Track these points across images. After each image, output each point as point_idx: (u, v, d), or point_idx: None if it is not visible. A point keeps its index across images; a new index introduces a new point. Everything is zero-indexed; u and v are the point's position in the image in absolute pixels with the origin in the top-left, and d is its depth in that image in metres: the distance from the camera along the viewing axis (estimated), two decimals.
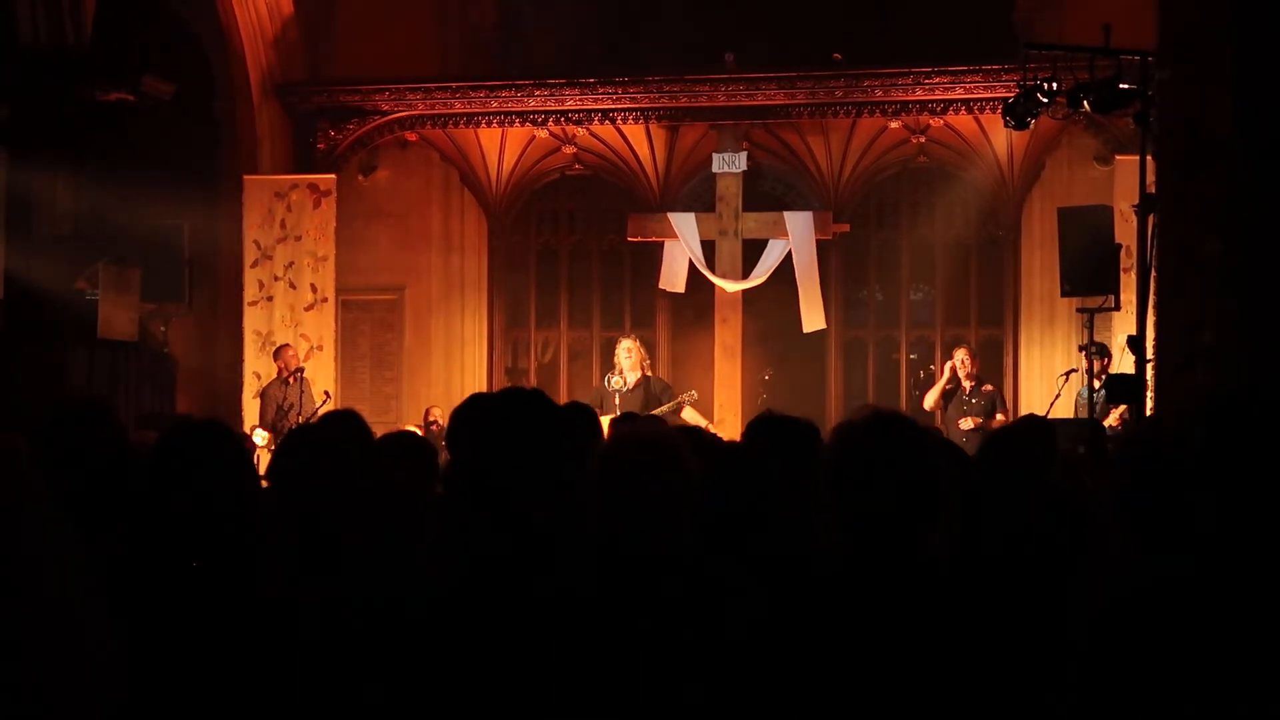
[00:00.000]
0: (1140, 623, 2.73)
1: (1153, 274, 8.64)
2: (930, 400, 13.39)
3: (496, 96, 15.37)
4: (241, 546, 3.10)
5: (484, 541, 2.90)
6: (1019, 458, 5.05)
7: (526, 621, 2.79)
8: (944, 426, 12.90)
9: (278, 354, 14.13)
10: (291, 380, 13.70)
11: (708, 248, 15.38)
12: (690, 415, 12.69)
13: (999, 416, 12.76)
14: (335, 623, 2.98)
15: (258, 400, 14.75)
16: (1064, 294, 13.11)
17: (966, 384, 13.15)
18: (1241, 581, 2.68)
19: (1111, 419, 11.55)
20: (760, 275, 15.30)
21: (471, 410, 2.99)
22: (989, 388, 13.31)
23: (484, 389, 15.22)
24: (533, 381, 16.68)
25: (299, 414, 13.03)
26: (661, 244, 15.68)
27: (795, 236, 15.21)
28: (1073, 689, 2.79)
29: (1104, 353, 12.16)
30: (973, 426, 12.57)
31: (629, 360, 12.87)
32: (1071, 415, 12.12)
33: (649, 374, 13.03)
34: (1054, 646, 2.88)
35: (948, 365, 13.41)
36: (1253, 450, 2.77)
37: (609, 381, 12.92)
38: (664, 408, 12.40)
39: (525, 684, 2.75)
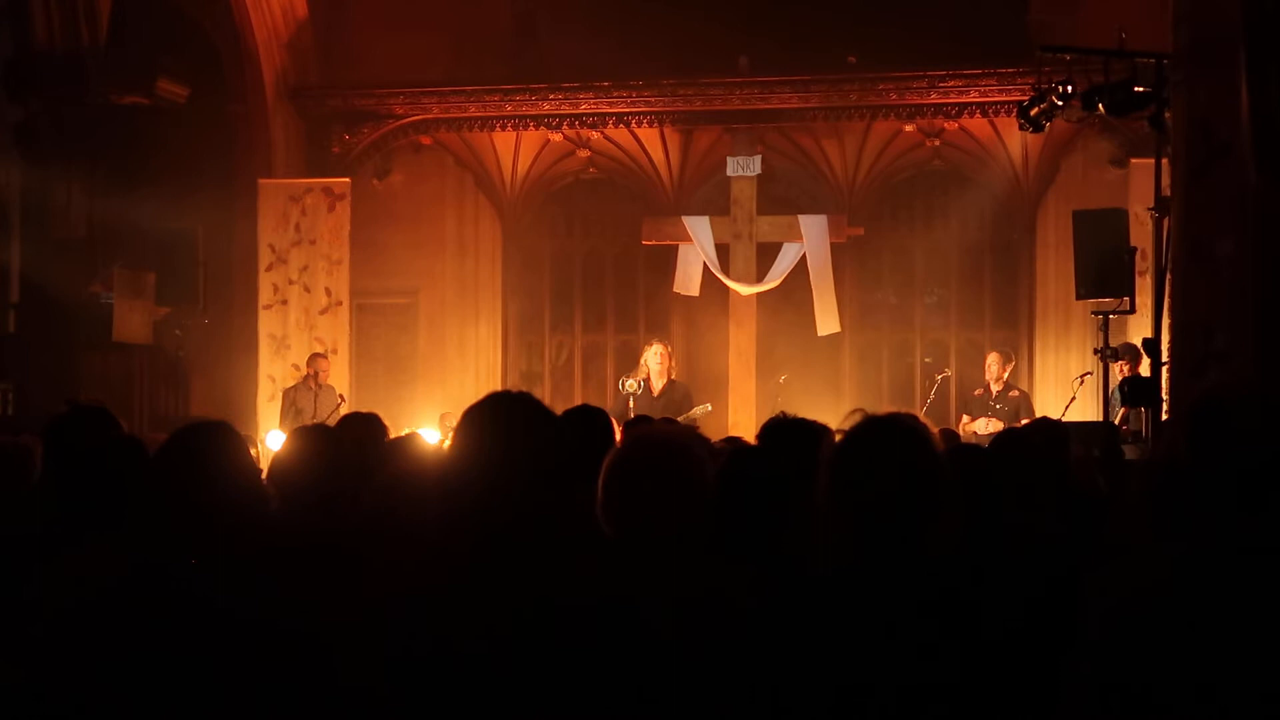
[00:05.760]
0: (1151, 616, 2.72)
1: (1167, 277, 8.61)
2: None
3: (511, 100, 15.38)
4: (243, 545, 3.11)
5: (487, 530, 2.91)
6: (1031, 458, 5.05)
7: (526, 617, 2.79)
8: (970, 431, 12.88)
9: (311, 360, 14.06)
10: (318, 388, 13.60)
11: (722, 251, 15.39)
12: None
13: (1023, 422, 12.54)
14: (335, 621, 2.99)
15: (272, 403, 14.76)
16: (1079, 297, 13.07)
17: (994, 387, 13.16)
18: (1229, 576, 2.68)
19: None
20: (775, 279, 15.30)
21: (472, 409, 3.01)
22: (1016, 393, 13.28)
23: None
24: (547, 385, 16.70)
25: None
26: (676, 247, 15.68)
27: (809, 240, 15.21)
28: (1081, 688, 2.78)
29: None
30: (989, 431, 12.48)
31: (659, 366, 12.80)
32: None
33: (674, 379, 12.97)
34: (1065, 646, 2.87)
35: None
36: (1229, 448, 2.76)
37: (623, 385, 12.86)
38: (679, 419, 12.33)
39: (526, 679, 2.75)
